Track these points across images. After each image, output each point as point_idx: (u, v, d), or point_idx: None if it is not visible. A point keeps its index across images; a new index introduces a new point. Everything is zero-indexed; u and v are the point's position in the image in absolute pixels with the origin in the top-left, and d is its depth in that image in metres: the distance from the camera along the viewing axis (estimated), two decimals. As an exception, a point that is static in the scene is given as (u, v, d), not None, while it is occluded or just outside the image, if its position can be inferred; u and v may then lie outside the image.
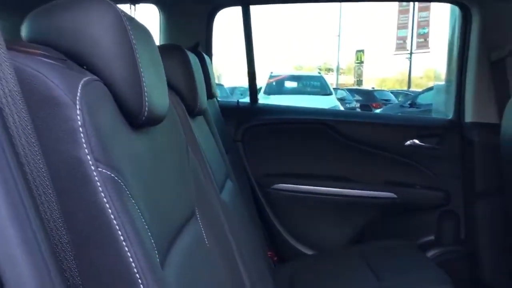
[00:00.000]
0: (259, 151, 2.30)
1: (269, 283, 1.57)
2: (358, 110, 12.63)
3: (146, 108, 0.73)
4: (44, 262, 0.50)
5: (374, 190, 2.21)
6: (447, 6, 2.41)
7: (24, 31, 0.71)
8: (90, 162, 0.60)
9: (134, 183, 0.68)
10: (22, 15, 0.72)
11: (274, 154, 2.31)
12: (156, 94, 0.79)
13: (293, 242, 2.28)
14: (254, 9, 2.36)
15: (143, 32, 0.81)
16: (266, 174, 2.28)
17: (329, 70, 31.91)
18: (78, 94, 0.61)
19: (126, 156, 0.69)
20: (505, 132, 1.79)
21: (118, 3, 0.73)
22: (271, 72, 11.33)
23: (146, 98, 0.73)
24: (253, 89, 2.49)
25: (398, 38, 26.27)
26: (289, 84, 11.35)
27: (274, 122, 2.37)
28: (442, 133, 2.24)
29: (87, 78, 0.64)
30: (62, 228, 0.57)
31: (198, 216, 1.05)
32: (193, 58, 1.43)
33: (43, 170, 0.56)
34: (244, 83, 2.62)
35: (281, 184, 2.25)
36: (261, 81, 10.36)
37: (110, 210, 0.61)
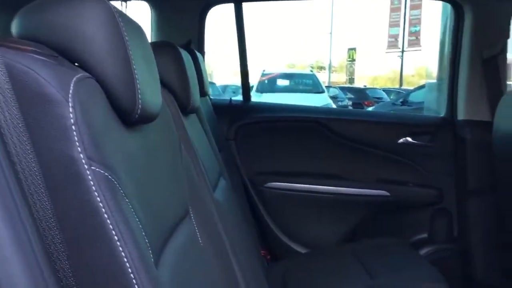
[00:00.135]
0: (252, 149, 2.30)
1: (262, 282, 1.57)
2: (350, 108, 12.67)
3: (139, 106, 0.73)
4: (37, 263, 0.49)
5: (367, 188, 2.21)
6: (439, 4, 2.42)
7: (14, 28, 0.70)
8: (83, 161, 0.59)
9: (127, 182, 0.67)
10: (13, 11, 0.71)
11: (267, 152, 2.31)
12: (149, 92, 0.78)
13: (286, 240, 2.28)
14: (246, 6, 2.36)
15: (136, 28, 0.80)
16: (259, 172, 2.27)
17: (321, 68, 32.05)
18: (71, 91, 0.60)
19: (119, 154, 0.68)
20: (497, 129, 1.80)
21: (110, 0, 0.72)
22: (263, 70, 11.34)
23: (139, 96, 0.72)
24: (245, 87, 2.47)
25: (390, 36, 26.40)
26: (281, 82, 11.38)
27: (267, 120, 2.36)
28: (435, 131, 2.25)
29: (79, 75, 0.63)
30: (55, 228, 0.57)
31: (191, 214, 1.04)
32: (185, 55, 1.42)
33: (35, 168, 0.55)
34: (236, 81, 2.62)
35: (274, 183, 2.25)
36: (253, 79, 10.36)
37: (103, 209, 0.60)
